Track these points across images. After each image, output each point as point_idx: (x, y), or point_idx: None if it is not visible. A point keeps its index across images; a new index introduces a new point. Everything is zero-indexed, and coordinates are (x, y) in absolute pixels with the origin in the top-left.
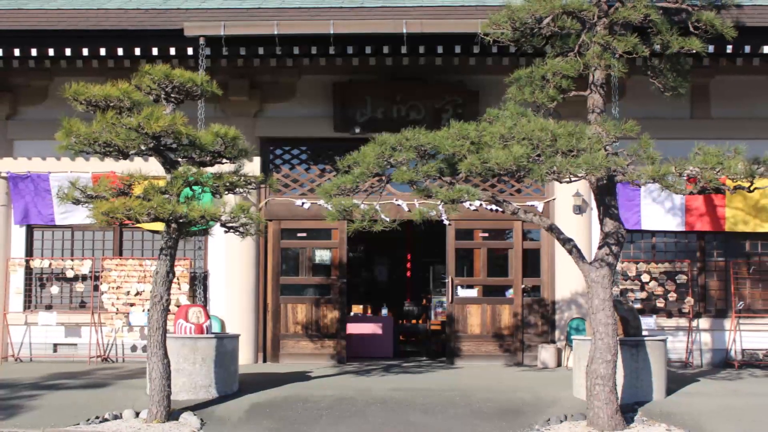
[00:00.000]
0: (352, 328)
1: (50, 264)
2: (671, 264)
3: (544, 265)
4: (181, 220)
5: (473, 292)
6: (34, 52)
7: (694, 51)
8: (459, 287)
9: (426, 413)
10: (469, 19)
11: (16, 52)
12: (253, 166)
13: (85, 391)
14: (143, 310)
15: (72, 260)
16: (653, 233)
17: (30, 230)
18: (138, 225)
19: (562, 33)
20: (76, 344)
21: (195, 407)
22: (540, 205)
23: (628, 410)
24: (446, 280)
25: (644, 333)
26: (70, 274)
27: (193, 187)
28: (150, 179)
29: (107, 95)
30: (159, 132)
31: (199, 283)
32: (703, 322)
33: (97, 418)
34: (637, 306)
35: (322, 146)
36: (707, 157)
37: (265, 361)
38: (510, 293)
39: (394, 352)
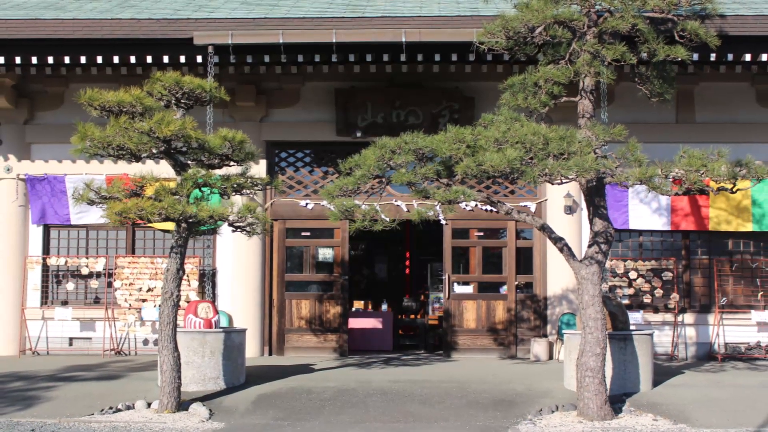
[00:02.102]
0: (354, 323)
1: (66, 262)
2: (658, 262)
3: (536, 262)
4: (190, 220)
5: (469, 289)
6: (50, 59)
7: (680, 59)
8: (455, 284)
9: (424, 403)
10: (465, 28)
11: (34, 60)
12: (259, 169)
13: (100, 383)
14: (155, 306)
15: (87, 258)
16: (640, 232)
17: (47, 229)
18: (150, 224)
19: (554, 42)
20: (90, 338)
21: (204, 398)
22: (533, 206)
23: (616, 401)
24: (443, 277)
25: (632, 327)
26: (85, 271)
27: (202, 189)
28: (161, 181)
29: (120, 101)
30: (170, 136)
31: (207, 279)
32: (688, 317)
33: (110, 408)
34: (625, 302)
35: (325, 149)
36: (692, 160)
37: (270, 354)
38: (504, 289)
39: (394, 345)
